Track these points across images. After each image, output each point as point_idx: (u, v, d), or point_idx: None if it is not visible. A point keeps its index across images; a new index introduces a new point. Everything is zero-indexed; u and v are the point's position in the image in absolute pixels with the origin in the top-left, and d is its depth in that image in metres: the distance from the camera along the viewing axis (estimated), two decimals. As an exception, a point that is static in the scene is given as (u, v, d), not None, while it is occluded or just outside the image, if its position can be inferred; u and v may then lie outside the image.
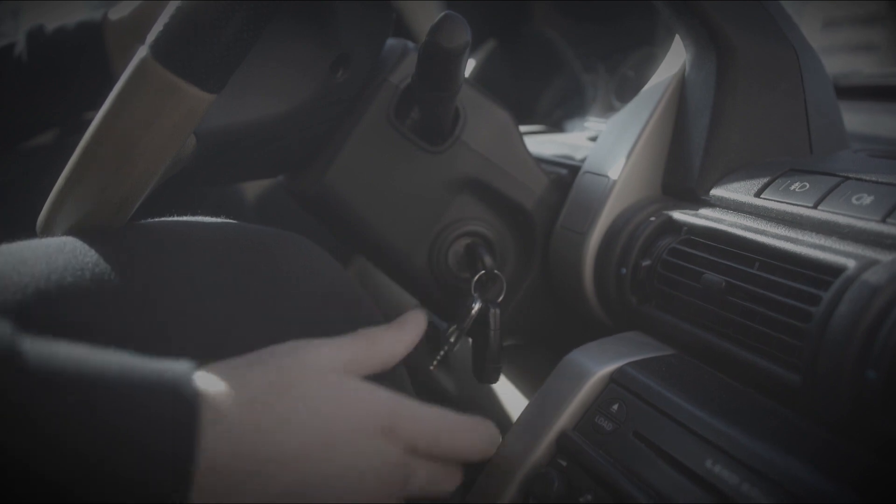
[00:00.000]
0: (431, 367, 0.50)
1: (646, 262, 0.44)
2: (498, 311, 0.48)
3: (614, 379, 0.39)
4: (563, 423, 0.39)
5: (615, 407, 0.38)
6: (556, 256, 0.51)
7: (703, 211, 0.43)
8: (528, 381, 0.62)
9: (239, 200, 0.78)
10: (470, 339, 0.51)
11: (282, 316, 0.35)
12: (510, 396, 0.64)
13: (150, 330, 0.31)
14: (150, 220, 0.37)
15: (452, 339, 0.49)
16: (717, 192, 0.43)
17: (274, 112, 0.46)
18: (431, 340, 0.52)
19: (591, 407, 0.39)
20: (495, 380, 0.50)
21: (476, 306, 0.48)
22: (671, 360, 0.40)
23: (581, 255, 0.48)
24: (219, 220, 0.39)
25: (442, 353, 0.50)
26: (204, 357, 0.28)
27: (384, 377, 0.34)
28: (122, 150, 0.31)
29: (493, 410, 0.64)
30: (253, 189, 0.85)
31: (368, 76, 0.50)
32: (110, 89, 0.32)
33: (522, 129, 0.54)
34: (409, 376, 0.39)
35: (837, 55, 0.71)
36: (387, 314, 0.37)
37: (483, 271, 0.51)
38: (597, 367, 0.40)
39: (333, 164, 0.50)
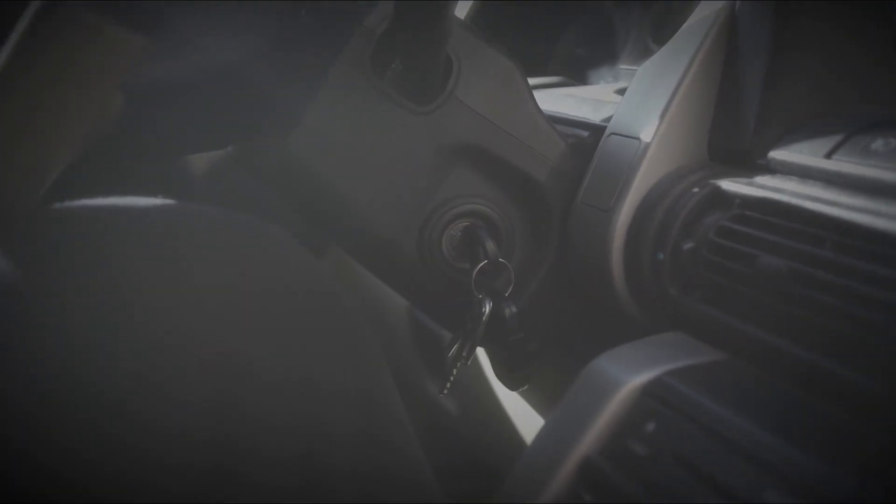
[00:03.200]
0: (443, 393, 0.51)
1: (688, 245, 0.45)
2: (515, 308, 0.49)
3: (650, 391, 0.39)
4: (587, 446, 0.39)
5: (651, 426, 0.37)
6: (576, 240, 0.52)
7: (760, 178, 0.44)
8: (543, 396, 0.63)
9: (184, 178, 0.78)
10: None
11: (239, 317, 0.35)
12: (522, 414, 0.64)
13: (65, 336, 0.32)
14: (70, 202, 0.37)
15: (465, 353, 0.50)
16: (777, 154, 0.44)
17: (220, 60, 0.46)
18: (427, 351, 0.53)
19: (622, 426, 0.39)
20: (526, 384, 0.51)
21: (487, 307, 0.49)
22: (721, 367, 0.40)
23: (607, 238, 0.48)
24: (158, 200, 0.39)
25: (453, 375, 0.50)
26: (139, 368, 0.29)
27: (370, 399, 0.34)
28: (27, 103, 0.31)
29: (503, 432, 0.64)
30: (201, 164, 0.85)
31: (338, 17, 0.51)
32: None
33: (533, 81, 0.55)
34: (403, 393, 0.40)
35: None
36: (372, 317, 0.37)
37: (485, 261, 0.51)
38: (628, 376, 0.40)
39: (297, 129, 0.50)
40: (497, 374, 0.52)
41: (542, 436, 0.41)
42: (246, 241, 0.38)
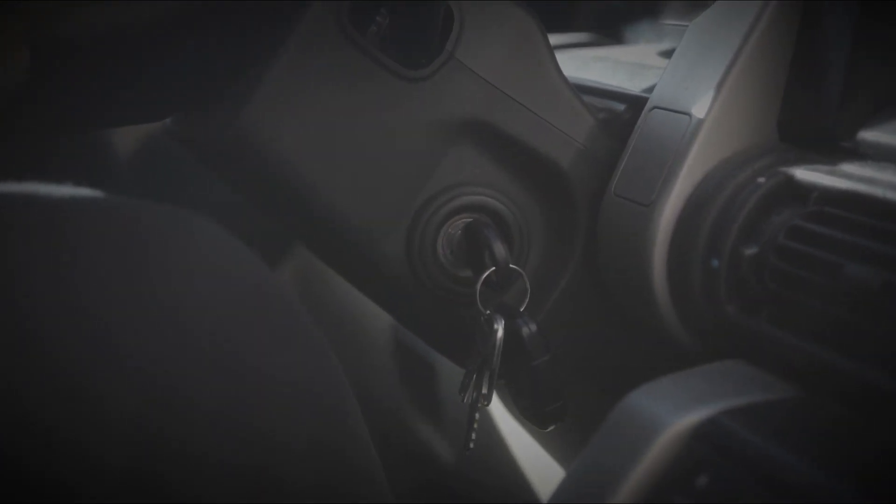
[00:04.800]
0: (468, 450, 0.52)
1: (751, 250, 0.44)
2: (534, 326, 0.49)
3: (701, 435, 0.39)
4: (621, 504, 0.39)
5: (702, 480, 0.37)
6: (608, 242, 0.51)
7: (845, 166, 0.43)
8: (564, 440, 0.63)
9: (107, 157, 0.79)
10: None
11: (168, 333, 0.36)
12: (538, 463, 0.65)
13: None
14: None
15: (485, 391, 0.51)
16: (868, 134, 0.44)
17: (155, 7, 0.46)
18: (414, 382, 0.53)
19: (665, 480, 0.38)
20: (562, 419, 0.51)
21: (500, 328, 0.49)
22: (793, 406, 0.40)
23: (647, 240, 0.48)
24: (73, 188, 0.39)
25: (476, 423, 0.51)
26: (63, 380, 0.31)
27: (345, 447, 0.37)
28: None
29: (512, 487, 0.66)
30: (128, 139, 0.86)
31: None
32: None
33: (555, 39, 0.54)
34: (384, 439, 0.41)
35: None
36: (346, 338, 0.38)
37: (493, 267, 0.50)
38: (672, 415, 0.39)
39: (255, 97, 0.49)
40: (522, 412, 0.52)
41: (562, 491, 0.41)
42: (182, 240, 0.39)
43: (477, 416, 0.51)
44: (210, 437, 0.37)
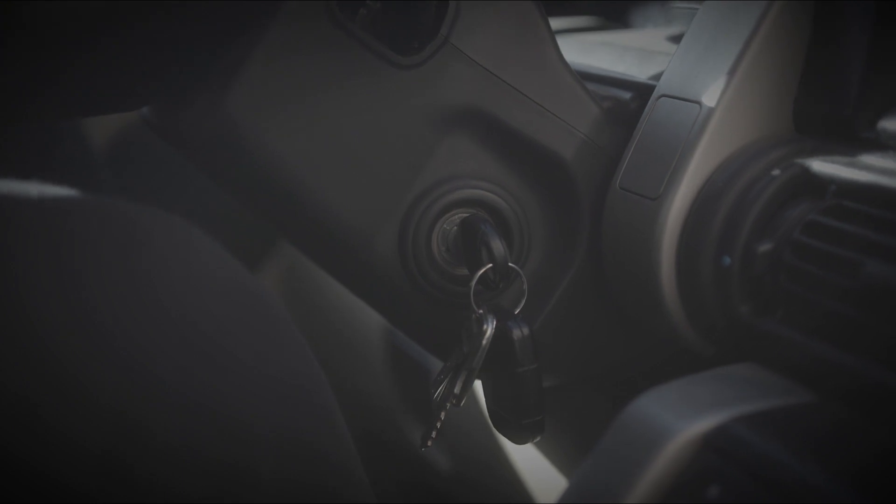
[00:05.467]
0: (425, 446, 0.51)
1: (765, 247, 0.44)
2: (527, 330, 0.49)
3: (712, 443, 0.38)
4: (626, 518, 0.39)
5: (713, 491, 0.37)
6: (612, 238, 0.51)
7: (866, 157, 0.43)
8: (566, 448, 0.62)
9: (77, 149, 0.80)
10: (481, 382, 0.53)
11: (143, 339, 0.38)
12: (537, 470, 0.64)
13: None
14: None
15: (457, 390, 0.50)
16: (890, 124, 0.44)
17: None
18: (408, 386, 0.53)
19: (673, 490, 0.38)
20: (538, 434, 0.51)
21: (489, 328, 0.49)
22: (809, 412, 0.40)
23: (655, 236, 0.48)
24: (35, 186, 0.40)
25: (440, 420, 0.51)
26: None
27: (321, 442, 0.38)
28: None
29: (510, 497, 0.66)
30: (100, 130, 0.86)
31: None
32: None
33: (556, 23, 0.56)
34: (376, 444, 0.41)
35: None
36: (336, 340, 0.38)
37: (489, 265, 0.50)
38: (681, 422, 0.39)
39: (236, 84, 0.49)
40: (495, 421, 0.52)
41: (564, 502, 0.41)
42: (158, 243, 0.40)
43: (443, 415, 0.51)
44: (182, 427, 0.38)
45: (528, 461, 0.65)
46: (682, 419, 0.39)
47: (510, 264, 0.50)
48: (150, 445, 0.38)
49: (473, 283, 0.50)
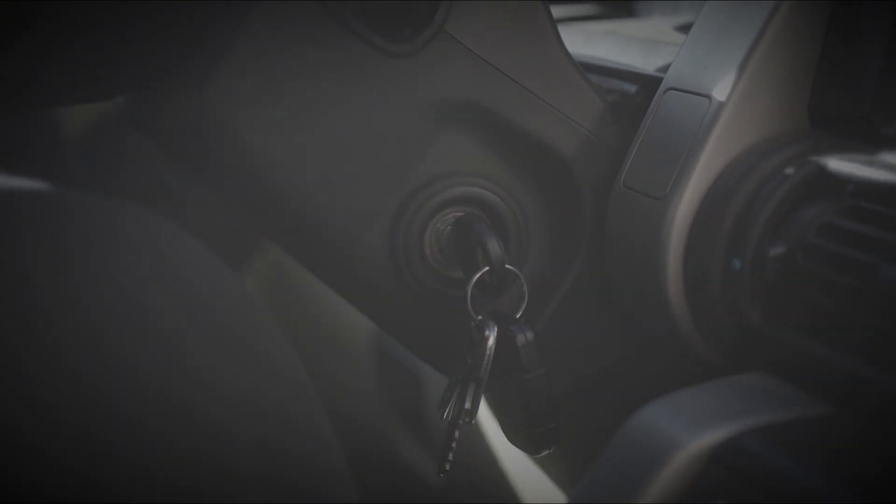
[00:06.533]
0: (443, 473, 0.52)
1: (777, 250, 0.45)
2: (531, 334, 0.49)
3: (720, 456, 0.39)
4: (629, 536, 0.39)
5: None
6: (616, 240, 0.51)
7: (884, 156, 0.44)
8: (567, 461, 0.62)
9: (49, 140, 0.81)
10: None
11: (111, 340, 0.38)
12: (536, 486, 0.65)
13: None
14: None
15: (468, 405, 0.50)
16: None
17: None
18: (399, 395, 0.53)
19: None
20: (554, 443, 0.51)
21: (491, 335, 0.49)
22: (823, 425, 0.40)
23: (661, 238, 0.48)
24: (7, 177, 0.41)
25: (454, 442, 0.51)
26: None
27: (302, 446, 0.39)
28: None
29: None
30: (74, 120, 0.87)
31: None
32: None
33: (558, 11, 0.55)
34: (364, 455, 0.43)
35: None
36: (322, 346, 0.39)
37: (486, 267, 0.50)
38: (689, 434, 0.40)
39: (217, 72, 0.49)
40: (506, 433, 0.52)
41: None
42: (131, 241, 0.40)
43: (457, 434, 0.51)
44: (159, 431, 0.39)
45: (525, 474, 0.65)
46: (688, 431, 0.39)
47: (508, 266, 0.50)
48: (120, 450, 0.38)
49: (470, 287, 0.50)
